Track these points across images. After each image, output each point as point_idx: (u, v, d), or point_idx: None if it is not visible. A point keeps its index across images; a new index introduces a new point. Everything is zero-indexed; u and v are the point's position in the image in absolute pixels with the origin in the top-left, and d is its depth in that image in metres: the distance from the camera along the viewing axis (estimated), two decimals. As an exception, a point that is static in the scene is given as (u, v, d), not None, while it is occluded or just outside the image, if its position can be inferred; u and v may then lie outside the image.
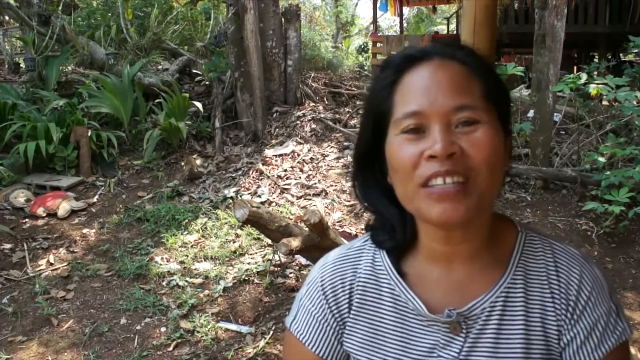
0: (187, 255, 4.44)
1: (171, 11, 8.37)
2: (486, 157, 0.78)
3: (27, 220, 5.14)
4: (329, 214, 5.04)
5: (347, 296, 0.93)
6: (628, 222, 4.48)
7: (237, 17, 6.86)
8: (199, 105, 6.80)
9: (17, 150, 5.78)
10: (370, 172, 0.92)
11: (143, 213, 5.13)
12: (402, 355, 0.88)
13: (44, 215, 5.17)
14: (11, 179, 5.70)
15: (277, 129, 7.04)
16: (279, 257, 4.20)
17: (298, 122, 7.09)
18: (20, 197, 5.43)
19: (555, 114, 5.94)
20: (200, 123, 6.91)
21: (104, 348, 3.36)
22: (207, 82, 7.75)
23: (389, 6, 13.54)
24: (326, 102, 7.80)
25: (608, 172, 4.57)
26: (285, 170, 5.95)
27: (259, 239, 4.60)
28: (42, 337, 3.47)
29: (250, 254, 4.46)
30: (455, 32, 15.20)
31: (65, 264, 4.41)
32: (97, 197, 5.64)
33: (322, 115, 7.23)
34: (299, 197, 5.40)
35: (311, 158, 6.26)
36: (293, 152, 6.38)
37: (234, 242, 4.66)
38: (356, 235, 4.62)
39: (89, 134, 6.16)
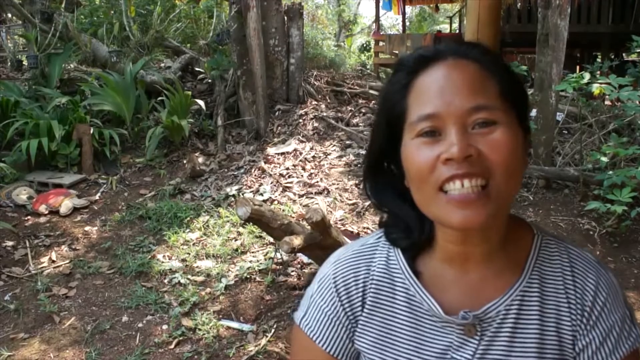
0: (189, 253, 4.45)
1: (174, 9, 8.37)
2: (505, 159, 0.76)
3: (29, 217, 5.15)
4: (331, 212, 5.03)
5: (361, 294, 0.92)
6: (630, 221, 4.48)
7: (240, 15, 6.86)
8: (201, 103, 6.81)
9: (20, 148, 5.79)
10: (382, 173, 0.90)
11: (145, 211, 5.13)
12: (415, 356, 0.87)
13: (46, 212, 5.17)
14: (13, 177, 5.70)
15: (279, 127, 7.04)
16: (281, 255, 4.20)
17: (300, 120, 7.09)
18: (22, 194, 5.44)
19: (557, 113, 5.93)
20: (202, 121, 6.91)
21: (105, 345, 3.37)
22: (209, 80, 7.75)
23: (393, 5, 13.51)
24: (328, 101, 7.80)
25: (610, 172, 4.56)
26: (288, 169, 5.95)
27: (260, 237, 4.60)
28: (44, 335, 3.47)
29: (252, 252, 4.46)
30: (457, 31, 15.18)
31: (67, 261, 4.41)
32: (99, 194, 5.64)
33: (325, 114, 7.23)
34: (301, 196, 5.40)
35: (313, 156, 6.26)
36: (295, 150, 6.38)
37: (236, 240, 4.66)
38: (358, 234, 4.62)
39: (92, 132, 6.16)
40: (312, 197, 5.34)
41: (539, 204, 5.12)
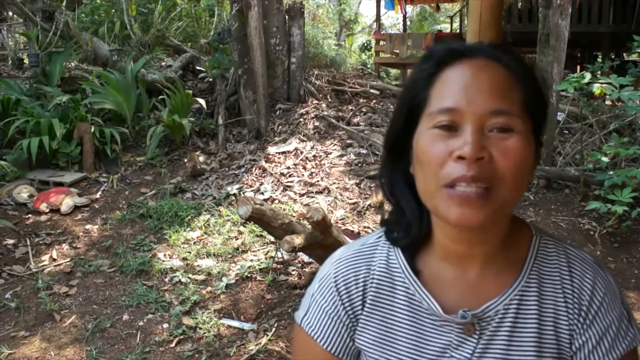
0: (190, 252, 4.45)
1: (175, 8, 8.37)
2: (514, 168, 0.77)
3: (30, 215, 5.15)
4: (331, 211, 5.04)
5: (361, 293, 0.92)
6: (631, 222, 4.48)
7: (241, 14, 6.86)
8: (202, 102, 6.81)
9: (21, 146, 5.79)
10: (399, 161, 0.90)
11: (146, 209, 5.14)
12: (415, 354, 0.88)
13: (47, 211, 5.18)
14: (14, 175, 5.71)
15: (280, 127, 7.04)
16: (282, 254, 4.21)
17: (301, 119, 7.09)
18: (23, 192, 5.44)
19: (558, 113, 5.93)
20: (203, 120, 6.92)
21: (106, 344, 3.37)
22: (210, 79, 7.75)
23: (395, 4, 13.50)
24: (329, 100, 7.80)
25: (611, 172, 4.56)
26: (288, 168, 5.95)
27: (261, 236, 4.60)
28: (44, 333, 3.48)
29: (253, 251, 4.47)
30: (458, 30, 15.17)
31: (68, 259, 4.42)
32: (100, 193, 5.65)
33: (325, 113, 7.23)
34: (301, 195, 5.40)
35: (314, 156, 6.26)
36: (296, 149, 6.38)
37: (237, 239, 4.67)
38: (359, 233, 4.62)
39: (92, 130, 6.16)
40: (312, 196, 5.34)
41: (540, 204, 5.12)
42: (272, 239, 4.26)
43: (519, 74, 0.81)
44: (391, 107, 7.65)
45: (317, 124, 7.00)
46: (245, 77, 6.99)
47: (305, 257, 4.16)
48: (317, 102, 7.61)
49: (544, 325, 0.85)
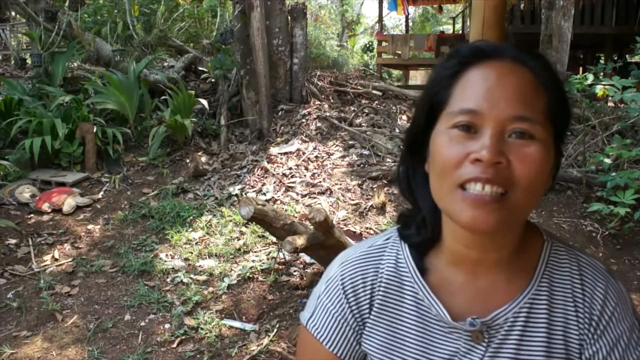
0: (192, 252, 4.45)
1: (177, 8, 8.38)
2: (531, 176, 0.75)
3: (32, 215, 5.16)
4: (333, 212, 5.04)
5: (368, 296, 0.91)
6: (633, 223, 4.47)
7: (244, 14, 6.86)
8: (204, 102, 6.81)
9: (23, 146, 5.80)
10: (418, 158, 0.89)
11: (148, 210, 5.14)
12: None
13: (49, 210, 5.18)
14: (17, 175, 5.72)
15: (282, 127, 7.04)
16: (284, 255, 4.21)
17: (303, 120, 7.09)
18: (25, 192, 5.45)
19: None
20: (205, 120, 6.92)
21: (108, 344, 3.37)
22: (212, 80, 7.75)
23: (398, 5, 13.51)
24: (331, 101, 7.80)
25: (614, 174, 4.55)
26: (290, 169, 5.95)
27: (263, 236, 4.60)
28: (46, 333, 3.48)
29: (255, 252, 4.46)
30: (460, 32, 15.17)
31: (70, 259, 4.42)
32: (102, 193, 5.65)
33: (328, 114, 7.23)
34: (303, 196, 5.40)
35: (316, 156, 6.26)
36: (298, 150, 6.38)
37: (239, 239, 4.67)
38: (361, 234, 4.62)
39: (95, 130, 6.17)
40: (314, 197, 5.34)
41: (542, 205, 5.12)
42: (274, 239, 4.26)
43: (544, 80, 0.79)
44: (393, 108, 7.66)
45: (319, 124, 7.00)
46: (247, 78, 6.99)
47: (307, 258, 4.16)
48: (319, 103, 7.61)
49: (553, 333, 0.83)
